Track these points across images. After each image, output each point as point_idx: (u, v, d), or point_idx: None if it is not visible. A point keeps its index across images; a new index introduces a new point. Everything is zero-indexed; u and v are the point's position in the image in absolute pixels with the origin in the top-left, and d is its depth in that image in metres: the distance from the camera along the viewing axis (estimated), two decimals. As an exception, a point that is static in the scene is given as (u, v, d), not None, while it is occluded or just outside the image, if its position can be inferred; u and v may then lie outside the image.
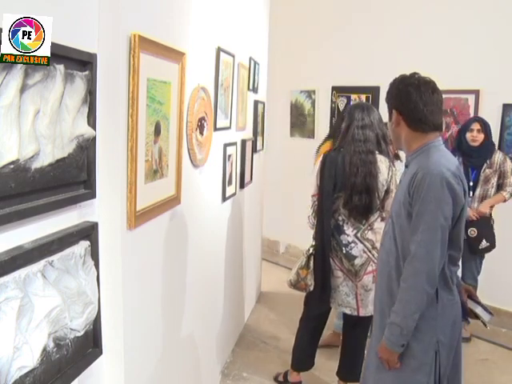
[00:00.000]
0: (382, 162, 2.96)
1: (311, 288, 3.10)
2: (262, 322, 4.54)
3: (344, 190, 2.95)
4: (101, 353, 1.64)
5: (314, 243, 3.12)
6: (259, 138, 4.68)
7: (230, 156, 3.32)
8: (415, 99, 1.99)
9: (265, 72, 4.83)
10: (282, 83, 6.12)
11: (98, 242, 1.58)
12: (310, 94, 6.09)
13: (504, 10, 4.41)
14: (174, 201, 2.21)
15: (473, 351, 3.98)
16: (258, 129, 4.48)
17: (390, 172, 2.98)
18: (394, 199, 2.13)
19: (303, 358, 3.42)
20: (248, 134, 4.04)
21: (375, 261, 2.85)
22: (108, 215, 1.66)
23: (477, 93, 4.56)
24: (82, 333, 1.47)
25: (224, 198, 3.27)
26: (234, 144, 3.46)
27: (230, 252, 3.61)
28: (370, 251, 2.97)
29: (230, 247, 3.57)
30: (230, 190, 3.41)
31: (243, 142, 3.78)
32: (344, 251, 2.99)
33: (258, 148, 4.60)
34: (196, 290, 2.72)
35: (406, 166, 2.14)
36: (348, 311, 3.06)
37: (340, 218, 3.01)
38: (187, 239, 2.50)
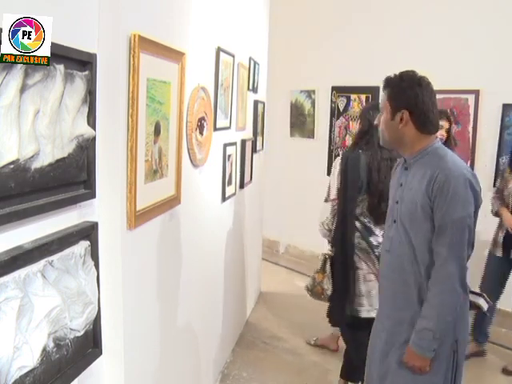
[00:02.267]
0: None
1: (328, 293, 2.99)
2: (261, 321, 4.54)
3: (369, 194, 2.88)
4: (100, 353, 1.64)
5: (330, 248, 3.01)
6: (259, 138, 4.68)
7: (229, 156, 3.32)
8: (427, 101, 1.98)
9: (265, 72, 4.83)
10: (282, 83, 6.12)
11: (97, 241, 1.58)
12: (309, 93, 6.09)
13: (504, 10, 4.41)
14: (173, 201, 2.21)
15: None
16: (257, 129, 4.48)
17: None
18: (401, 203, 2.06)
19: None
20: (248, 133, 4.04)
21: None
22: (108, 215, 1.66)
23: (477, 93, 4.56)
24: (82, 333, 1.47)
25: (224, 198, 3.27)
26: (234, 144, 3.46)
27: (230, 252, 3.61)
28: None
29: (229, 247, 3.57)
30: (229, 190, 3.41)
31: (243, 142, 3.77)
32: (376, 253, 2.89)
33: (257, 148, 4.60)
34: (196, 290, 2.72)
35: (406, 168, 2.09)
36: None
37: (366, 220, 2.92)
38: (187, 239, 2.50)
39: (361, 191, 2.88)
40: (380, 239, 2.86)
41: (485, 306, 2.18)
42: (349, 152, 2.99)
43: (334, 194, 2.97)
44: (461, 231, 1.88)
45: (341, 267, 2.94)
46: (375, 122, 2.21)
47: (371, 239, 2.92)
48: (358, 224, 2.93)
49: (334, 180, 2.97)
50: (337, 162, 3.00)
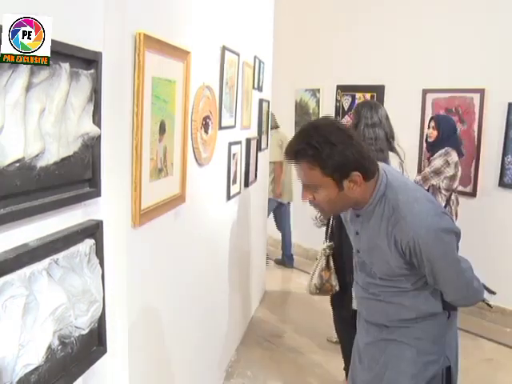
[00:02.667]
0: (393, 157, 2.99)
1: (337, 288, 3.03)
2: (266, 320, 4.54)
3: None
4: (105, 351, 1.64)
5: (328, 243, 3.07)
6: (264, 137, 4.68)
7: (234, 155, 3.32)
8: (363, 147, 1.70)
9: (270, 70, 4.82)
10: (287, 82, 6.12)
11: (102, 240, 1.58)
12: (314, 92, 6.08)
13: (510, 10, 4.39)
14: (178, 199, 2.22)
15: (477, 351, 3.96)
16: (262, 127, 4.48)
17: (400, 168, 3.01)
18: (363, 253, 1.91)
19: None
20: (253, 132, 4.04)
21: None
22: (113, 213, 1.66)
23: (482, 92, 4.55)
24: (87, 331, 1.47)
25: (228, 197, 3.27)
26: (239, 143, 3.46)
27: (235, 251, 3.61)
28: None
29: (234, 246, 3.57)
30: (234, 189, 3.41)
31: (248, 141, 3.77)
32: None
33: (262, 147, 4.60)
34: (200, 289, 2.72)
35: (358, 215, 1.85)
36: None
37: None
38: (192, 238, 2.50)
39: None
40: None
41: (488, 297, 2.08)
42: None
43: None
44: (455, 279, 1.78)
45: (341, 261, 3.00)
46: (303, 199, 1.82)
47: None
48: None
49: None
50: None
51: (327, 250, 3.06)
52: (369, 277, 1.94)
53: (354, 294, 2.94)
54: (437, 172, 3.97)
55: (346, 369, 3.26)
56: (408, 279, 1.83)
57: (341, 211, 1.94)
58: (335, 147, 1.61)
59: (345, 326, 3.16)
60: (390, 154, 3.01)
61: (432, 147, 4.15)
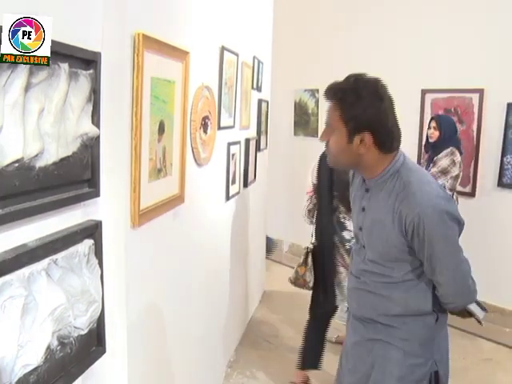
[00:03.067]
0: None
1: (310, 285, 3.14)
2: (265, 320, 4.54)
3: (336, 191, 3.03)
4: (104, 351, 1.64)
5: (313, 240, 3.16)
6: (263, 137, 4.68)
7: (233, 155, 3.32)
8: (391, 116, 1.74)
9: (269, 71, 4.82)
10: (286, 82, 6.12)
11: (101, 240, 1.58)
12: (313, 92, 6.08)
13: (510, 10, 4.39)
14: (177, 199, 2.21)
15: (476, 351, 3.97)
16: (261, 127, 4.48)
17: None
18: (365, 230, 1.88)
19: (311, 356, 3.36)
20: (252, 132, 4.04)
21: None
22: (112, 214, 1.66)
23: (481, 92, 4.54)
24: (86, 331, 1.47)
25: (228, 197, 3.27)
26: (238, 143, 3.46)
27: (234, 251, 3.61)
28: None
29: (233, 246, 3.57)
30: (233, 189, 3.41)
31: (247, 141, 3.77)
32: (347, 246, 3.02)
33: (261, 147, 4.60)
34: (199, 289, 2.72)
35: (367, 190, 1.87)
36: None
37: (341, 216, 3.07)
38: (191, 238, 2.50)
39: (333, 187, 3.04)
40: (352, 234, 2.96)
41: (479, 313, 2.00)
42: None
43: (309, 188, 3.19)
44: (453, 268, 1.77)
45: (319, 261, 3.12)
46: (320, 138, 1.85)
47: (343, 233, 3.07)
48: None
49: (309, 175, 3.17)
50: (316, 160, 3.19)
51: (308, 247, 3.16)
52: (363, 263, 1.94)
53: (337, 291, 3.10)
54: (444, 172, 3.97)
55: (300, 365, 3.38)
56: (400, 267, 1.82)
57: (345, 166, 1.94)
58: (360, 100, 1.69)
59: (315, 322, 3.30)
60: None
61: (433, 148, 4.15)
